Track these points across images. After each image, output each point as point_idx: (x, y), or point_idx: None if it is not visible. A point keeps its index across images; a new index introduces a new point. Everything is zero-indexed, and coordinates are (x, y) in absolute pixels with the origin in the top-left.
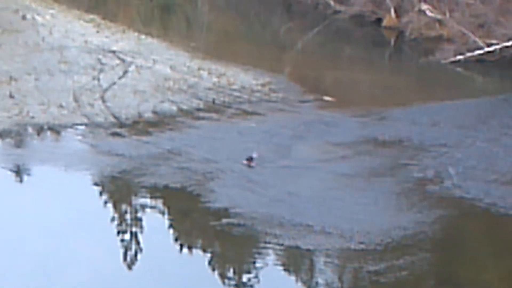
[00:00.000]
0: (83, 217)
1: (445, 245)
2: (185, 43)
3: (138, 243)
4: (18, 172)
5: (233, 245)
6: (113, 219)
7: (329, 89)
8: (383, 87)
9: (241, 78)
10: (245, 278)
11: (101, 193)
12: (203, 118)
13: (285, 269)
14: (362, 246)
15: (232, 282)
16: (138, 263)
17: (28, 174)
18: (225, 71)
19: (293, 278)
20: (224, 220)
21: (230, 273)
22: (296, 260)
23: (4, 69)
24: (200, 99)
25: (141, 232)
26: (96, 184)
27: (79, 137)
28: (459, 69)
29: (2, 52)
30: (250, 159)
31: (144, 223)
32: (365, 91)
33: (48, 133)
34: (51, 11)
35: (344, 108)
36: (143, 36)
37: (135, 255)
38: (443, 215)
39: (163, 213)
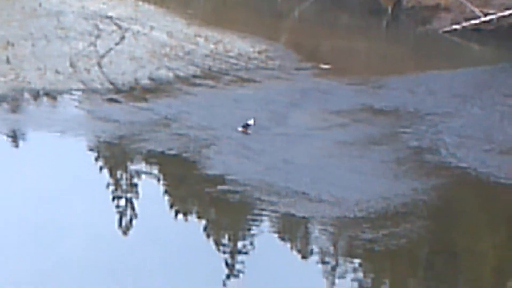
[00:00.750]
0: (79, 182)
1: (441, 214)
2: (182, 10)
3: (133, 209)
4: (14, 137)
5: (228, 211)
6: (108, 185)
7: (326, 57)
8: (380, 56)
9: (238, 45)
10: (240, 244)
11: (96, 159)
12: (199, 85)
13: (280, 237)
14: (358, 213)
15: (227, 249)
16: (133, 229)
17: (24, 139)
18: (222, 38)
19: (288, 245)
20: (220, 187)
21: (225, 240)
22: (291, 228)
23: (0, 34)
24: (197, 66)
25: (136, 198)
26: (91, 149)
27: (75, 103)
28: (456, 38)
29: None
30: (246, 126)
31: (139, 189)
32: (362, 59)
33: (44, 98)
34: None
35: (341, 76)
36: (140, 3)
37: (130, 221)
38: (439, 183)
39: (158, 179)
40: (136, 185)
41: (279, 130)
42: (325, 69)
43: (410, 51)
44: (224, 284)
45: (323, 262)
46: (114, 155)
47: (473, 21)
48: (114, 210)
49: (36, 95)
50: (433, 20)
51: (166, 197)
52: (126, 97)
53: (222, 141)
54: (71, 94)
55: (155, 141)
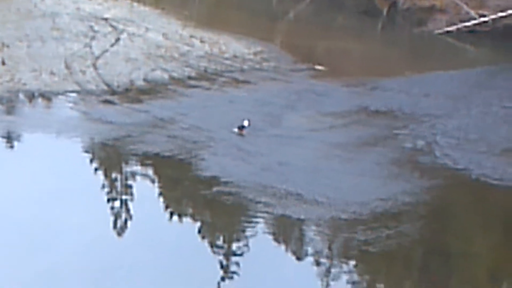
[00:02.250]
0: (73, 184)
1: (435, 216)
2: (177, 11)
3: (128, 210)
4: (9, 138)
5: (223, 213)
6: (103, 186)
7: (321, 58)
8: (375, 57)
9: (233, 46)
10: (234, 246)
11: (91, 160)
12: (194, 86)
13: (275, 238)
14: (353, 215)
15: (222, 251)
16: (127, 231)
17: (19, 141)
18: (217, 39)
19: (283, 247)
20: (215, 188)
21: (220, 241)
22: (286, 229)
23: None
24: (192, 67)
25: (131, 199)
26: (87, 151)
27: (71, 104)
28: (451, 39)
29: None
30: (241, 127)
31: (134, 190)
32: (357, 61)
33: (40, 100)
34: None
35: (336, 77)
36: (135, 4)
37: (125, 222)
38: (434, 185)
39: (153, 181)
40: (131, 186)
41: (274, 131)
42: (320, 70)
43: (405, 52)
44: (219, 286)
45: (318, 264)
46: (109, 157)
47: (469, 23)
48: (109, 211)
49: (31, 97)
50: (429, 21)
51: (161, 199)
52: (121, 98)
53: (217, 143)
54: (66, 95)
55: (150, 143)
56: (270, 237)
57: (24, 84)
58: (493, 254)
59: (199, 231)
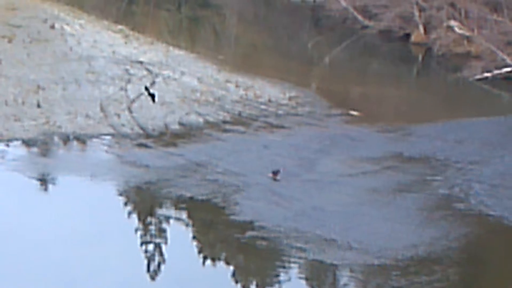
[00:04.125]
0: (108, 227)
1: (469, 262)
2: (212, 55)
3: (161, 254)
4: (44, 181)
5: (256, 258)
6: (137, 229)
7: (356, 103)
8: (410, 103)
9: (268, 91)
10: None
11: (126, 204)
12: (229, 131)
13: (308, 283)
14: (386, 261)
15: None
16: (161, 274)
17: (54, 183)
18: (252, 84)
19: None
20: (248, 233)
21: (253, 286)
22: (319, 274)
23: (31, 78)
24: (227, 112)
25: (165, 243)
26: (121, 194)
27: (105, 147)
28: (486, 86)
29: (30, 61)
30: (275, 172)
31: (168, 234)
32: (392, 107)
33: (75, 142)
34: (80, 21)
35: (371, 123)
36: (171, 48)
37: (158, 266)
38: (468, 231)
39: (187, 225)
40: (165, 230)
41: (309, 176)
42: (355, 115)
43: (440, 98)
44: None
45: None
46: (143, 200)
47: (504, 69)
48: (143, 255)
49: (66, 139)
50: (464, 67)
51: (195, 243)
52: (155, 142)
53: (251, 187)
54: (101, 138)
55: (185, 187)
56: (304, 282)
57: (59, 127)
58: None
59: (233, 275)
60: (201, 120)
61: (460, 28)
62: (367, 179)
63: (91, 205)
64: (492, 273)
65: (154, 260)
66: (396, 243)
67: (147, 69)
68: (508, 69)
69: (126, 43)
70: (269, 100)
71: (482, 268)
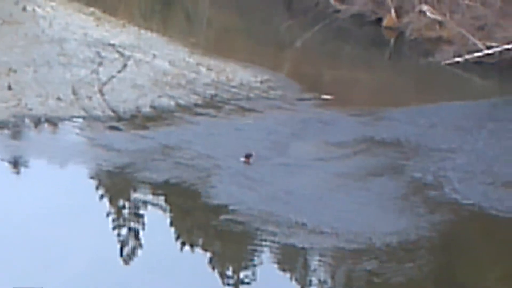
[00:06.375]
0: (79, 211)
1: (443, 248)
2: (184, 38)
3: (135, 238)
4: (15, 164)
5: (230, 242)
6: (109, 213)
7: (328, 87)
8: (382, 87)
9: (240, 74)
10: (242, 275)
11: (97, 187)
12: (201, 114)
13: (280, 267)
14: (357, 246)
15: (230, 281)
16: (134, 259)
17: (25, 166)
18: (224, 67)
19: (288, 276)
20: (222, 217)
21: (227, 270)
22: (291, 258)
23: (3, 60)
24: (199, 95)
25: (137, 226)
26: (92, 177)
27: (77, 130)
28: (458, 70)
29: (2, 43)
30: (248, 156)
31: (140, 217)
32: (363, 90)
33: (46, 125)
34: (51, 3)
35: (343, 107)
36: (143, 31)
37: (132, 250)
38: (440, 216)
39: (160, 208)
40: (137, 213)
41: (280, 160)
42: (327, 99)
43: (412, 82)
44: None
45: None
46: (115, 184)
47: (476, 54)
48: (115, 239)
49: (37, 122)
50: (436, 52)
51: (168, 227)
52: (127, 125)
53: (224, 171)
54: (72, 121)
55: (156, 170)
56: (276, 266)
57: (30, 109)
58: (504, 286)
59: (210, 261)
60: (172, 103)
61: (432, 13)
62: (339, 163)
63: (62, 188)
64: (464, 260)
65: (127, 244)
66: (368, 228)
67: (119, 52)
68: (479, 53)
69: (98, 25)
70: (241, 84)
71: (456, 254)
